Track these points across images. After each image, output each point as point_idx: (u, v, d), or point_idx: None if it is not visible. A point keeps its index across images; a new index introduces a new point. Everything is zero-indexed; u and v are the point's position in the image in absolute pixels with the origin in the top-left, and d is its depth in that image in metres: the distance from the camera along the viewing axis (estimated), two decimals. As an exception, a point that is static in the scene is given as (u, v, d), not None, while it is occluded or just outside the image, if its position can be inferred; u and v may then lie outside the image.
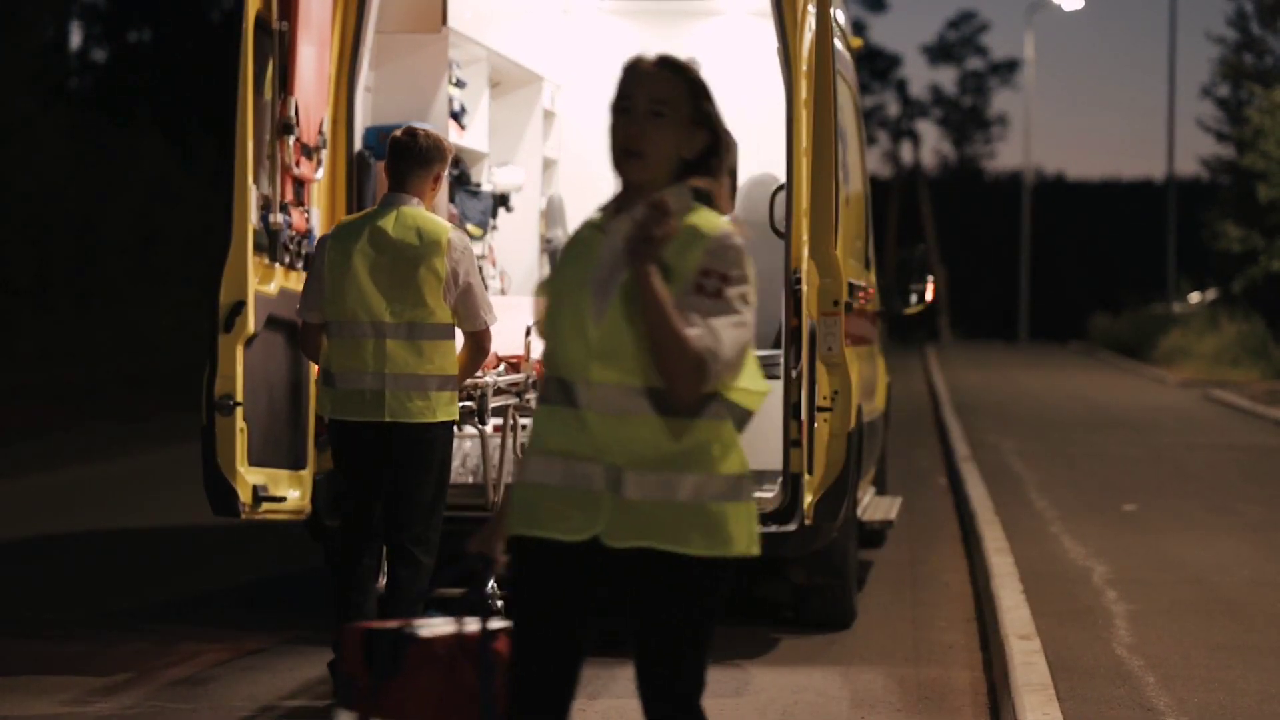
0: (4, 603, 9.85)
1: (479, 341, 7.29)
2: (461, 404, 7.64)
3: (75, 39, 40.75)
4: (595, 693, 7.57)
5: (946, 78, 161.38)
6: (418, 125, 7.54)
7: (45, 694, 7.54)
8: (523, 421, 8.26)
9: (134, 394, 23.66)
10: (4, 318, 27.20)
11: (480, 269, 10.33)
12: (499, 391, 8.11)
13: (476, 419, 7.94)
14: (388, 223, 7.19)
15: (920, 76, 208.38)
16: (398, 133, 7.41)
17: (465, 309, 7.21)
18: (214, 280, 7.83)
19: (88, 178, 30.57)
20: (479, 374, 7.77)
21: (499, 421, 8.28)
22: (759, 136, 10.98)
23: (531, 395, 8.29)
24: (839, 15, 9.61)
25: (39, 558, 11.52)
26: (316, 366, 7.63)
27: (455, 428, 7.40)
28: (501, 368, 8.26)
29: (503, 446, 8.15)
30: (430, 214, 7.27)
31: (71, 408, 21.88)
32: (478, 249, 10.13)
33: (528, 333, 8.27)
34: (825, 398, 8.33)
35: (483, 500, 8.22)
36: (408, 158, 7.27)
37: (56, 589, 10.36)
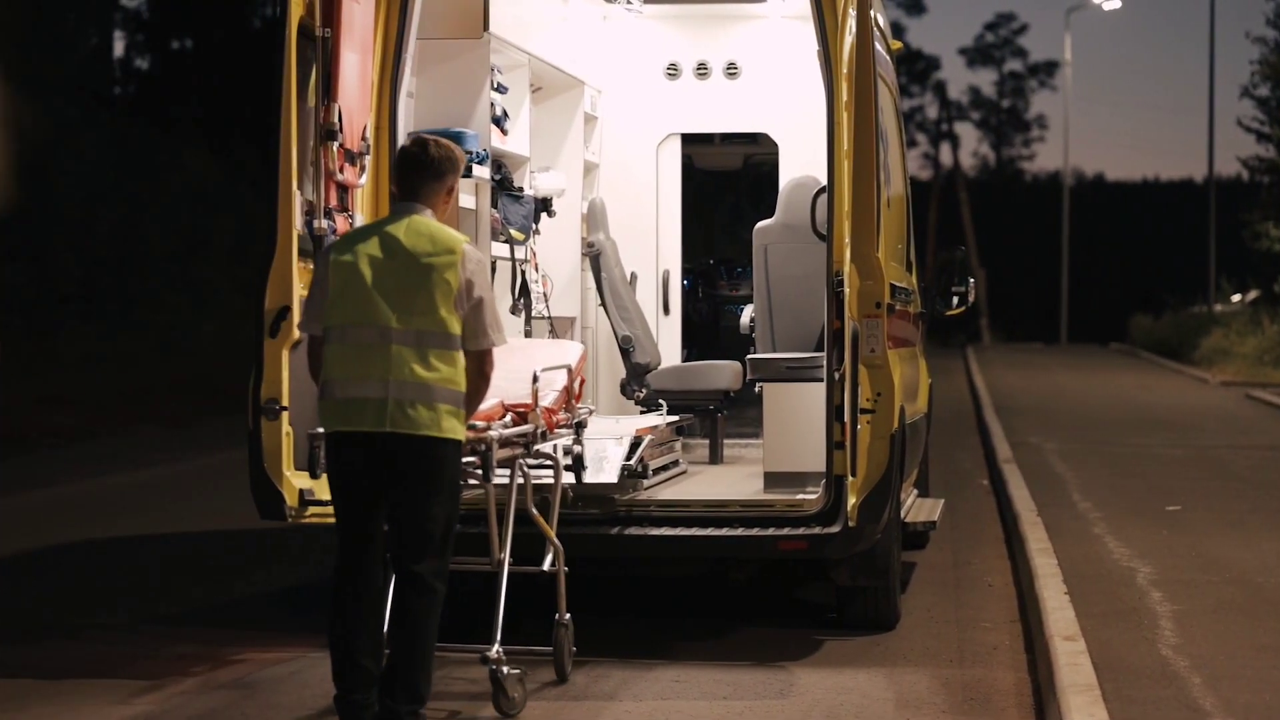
0: (51, 607, 9.92)
1: (481, 363, 6.77)
2: (465, 459, 7.06)
3: (119, 47, 40.97)
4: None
5: (985, 80, 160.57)
6: (427, 135, 7.23)
7: (92, 697, 7.60)
8: (533, 474, 7.69)
9: (179, 400, 23.74)
10: (49, 325, 27.34)
11: (524, 276, 10.38)
12: (506, 444, 7.41)
13: (481, 473, 7.26)
14: (399, 229, 6.79)
15: (959, 79, 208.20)
16: (407, 142, 7.10)
17: (475, 323, 6.76)
18: (259, 286, 7.90)
19: (131, 185, 30.71)
20: (484, 425, 7.24)
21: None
22: (800, 139, 11.02)
23: (541, 446, 7.71)
24: (879, 18, 9.61)
25: (85, 562, 11.59)
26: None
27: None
28: (508, 418, 7.57)
29: (510, 501, 7.49)
30: (443, 225, 6.88)
31: (117, 414, 21.97)
32: (520, 253, 10.17)
33: (535, 379, 7.66)
34: (868, 400, 8.33)
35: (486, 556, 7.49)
36: (419, 169, 6.88)
37: (102, 593, 10.43)
